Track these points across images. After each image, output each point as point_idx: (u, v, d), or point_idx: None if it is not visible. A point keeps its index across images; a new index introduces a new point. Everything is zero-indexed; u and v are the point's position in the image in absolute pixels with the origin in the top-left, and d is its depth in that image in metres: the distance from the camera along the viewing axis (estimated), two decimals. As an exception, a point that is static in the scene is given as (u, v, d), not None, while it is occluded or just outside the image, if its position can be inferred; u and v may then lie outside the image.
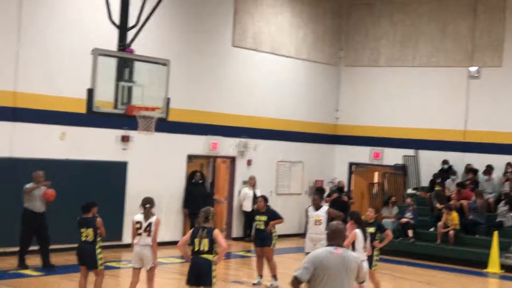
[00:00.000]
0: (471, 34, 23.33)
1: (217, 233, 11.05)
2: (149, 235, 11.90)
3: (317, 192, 16.90)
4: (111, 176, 18.98)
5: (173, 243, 19.62)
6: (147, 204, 12.05)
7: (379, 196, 24.03)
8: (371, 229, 14.16)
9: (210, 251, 10.96)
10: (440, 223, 20.65)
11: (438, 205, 21.39)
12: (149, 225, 11.91)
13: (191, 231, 11.31)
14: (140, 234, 11.93)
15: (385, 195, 23.43)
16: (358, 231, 12.75)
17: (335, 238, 7.52)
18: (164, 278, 15.65)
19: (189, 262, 11.23)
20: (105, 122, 18.05)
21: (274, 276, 15.39)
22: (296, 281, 7.29)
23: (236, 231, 22.61)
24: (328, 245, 7.51)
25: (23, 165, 17.12)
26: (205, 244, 10.93)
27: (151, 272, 11.98)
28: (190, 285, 11.14)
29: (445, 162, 23.05)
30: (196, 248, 10.99)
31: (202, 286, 11.04)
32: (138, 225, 11.97)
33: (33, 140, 17.39)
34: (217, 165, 22.56)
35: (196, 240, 10.98)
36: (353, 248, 12.52)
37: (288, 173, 24.24)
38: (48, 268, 15.64)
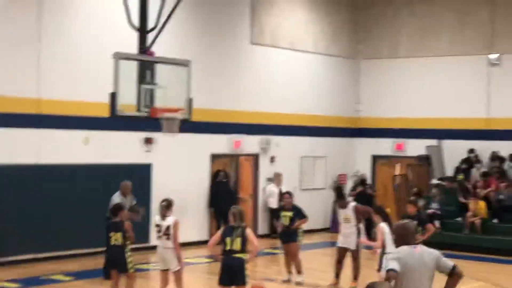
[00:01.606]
0: (491, 21, 23.16)
1: (249, 231, 11.04)
2: (168, 238, 11.84)
3: (336, 191, 16.62)
4: (136, 178, 18.92)
5: (200, 243, 19.80)
6: (163, 202, 12.04)
7: (402, 188, 23.88)
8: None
9: (243, 250, 10.92)
10: (469, 213, 20.56)
11: (461, 199, 21.29)
12: (167, 228, 11.85)
13: (221, 230, 11.28)
14: (160, 237, 11.92)
15: (410, 186, 23.29)
16: (383, 225, 12.71)
17: (409, 238, 7.36)
18: (194, 278, 15.70)
19: (219, 262, 11.22)
20: (127, 125, 18.11)
21: (300, 272, 15.43)
22: (393, 273, 7.05)
23: (262, 228, 22.61)
24: (404, 244, 7.31)
25: (49, 171, 17.27)
26: (237, 243, 10.89)
27: (178, 274, 11.94)
28: (223, 285, 11.12)
29: (471, 151, 22.91)
30: (228, 247, 10.94)
31: (235, 285, 11.02)
32: (157, 228, 11.96)
33: (58, 146, 17.50)
34: (240, 163, 22.58)
35: (228, 239, 10.93)
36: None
37: (311, 168, 24.22)
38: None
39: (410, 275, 7.17)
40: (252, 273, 16.43)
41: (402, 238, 7.39)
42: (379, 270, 12.41)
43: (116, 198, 15.48)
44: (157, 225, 11.92)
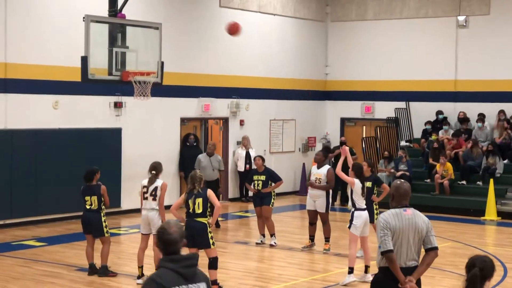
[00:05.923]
0: (459, -17, 23.22)
1: (210, 193, 11.11)
2: (154, 199, 11.89)
3: (323, 150, 16.81)
4: (106, 143, 18.90)
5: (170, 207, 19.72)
6: (153, 171, 12.06)
7: (372, 150, 23.98)
8: (368, 184, 14.10)
9: (204, 212, 11.02)
10: (437, 175, 20.78)
11: (430, 160, 21.50)
12: (155, 189, 11.89)
13: (184, 194, 11.37)
14: (146, 198, 11.95)
15: (379, 149, 23.42)
16: (357, 181, 12.67)
17: (402, 199, 7.42)
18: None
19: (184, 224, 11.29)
20: (97, 90, 17.94)
21: (273, 235, 15.49)
22: (388, 254, 7.20)
23: (233, 191, 22.65)
24: (397, 206, 7.42)
25: (17, 136, 17.06)
26: (199, 205, 10.97)
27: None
28: (189, 248, 11.19)
29: (439, 112, 23.07)
30: (191, 209, 11.04)
31: (199, 248, 11.04)
32: (144, 189, 11.98)
33: (26, 111, 17.28)
34: (209, 127, 22.53)
35: (190, 201, 11.03)
36: (351, 197, 12.54)
37: (280, 131, 24.24)
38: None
39: (397, 236, 7.26)
40: (224, 236, 16.53)
41: (397, 198, 7.46)
42: (349, 227, 12.45)
43: (202, 158, 17.68)
44: (144, 186, 11.92)
